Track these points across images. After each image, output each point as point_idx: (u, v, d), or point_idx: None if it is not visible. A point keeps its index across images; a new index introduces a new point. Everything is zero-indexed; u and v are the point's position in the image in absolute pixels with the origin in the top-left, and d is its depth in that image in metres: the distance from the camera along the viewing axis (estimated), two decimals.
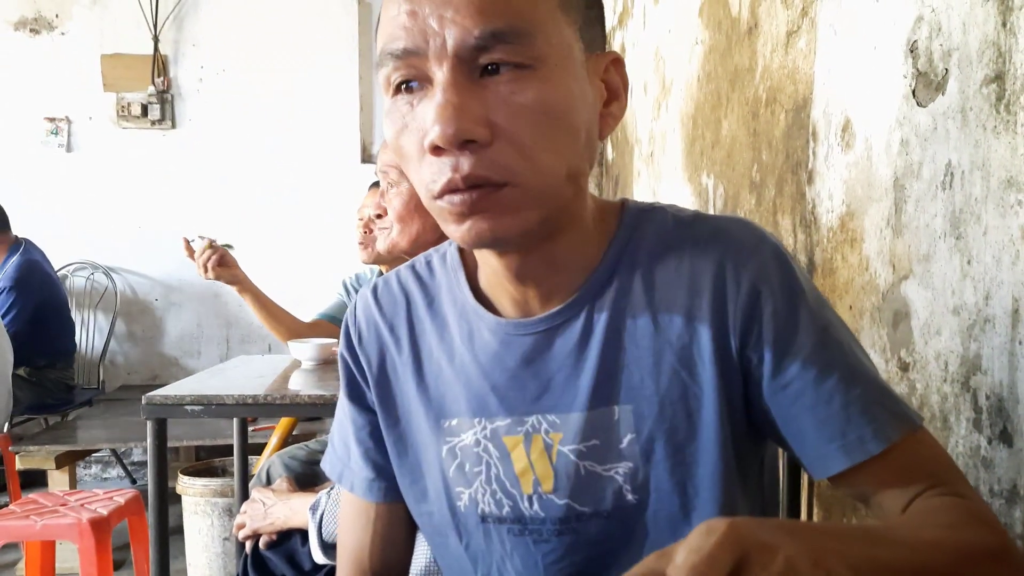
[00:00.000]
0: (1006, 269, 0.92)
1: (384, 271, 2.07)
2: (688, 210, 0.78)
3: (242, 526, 1.57)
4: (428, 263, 0.85)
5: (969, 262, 0.98)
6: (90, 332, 4.23)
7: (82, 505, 2.27)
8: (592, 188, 1.71)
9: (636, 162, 2.87)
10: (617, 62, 0.72)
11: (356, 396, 0.85)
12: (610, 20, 3.07)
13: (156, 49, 4.18)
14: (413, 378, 0.80)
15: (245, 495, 2.42)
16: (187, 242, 2.21)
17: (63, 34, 4.20)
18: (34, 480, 3.50)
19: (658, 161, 2.55)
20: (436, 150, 0.63)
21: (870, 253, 1.23)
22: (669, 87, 2.39)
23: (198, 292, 4.26)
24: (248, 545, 1.58)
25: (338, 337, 1.40)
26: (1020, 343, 0.90)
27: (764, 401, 0.71)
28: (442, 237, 1.16)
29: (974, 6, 0.96)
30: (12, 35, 4.18)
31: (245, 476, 2.41)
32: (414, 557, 1.16)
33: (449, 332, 0.80)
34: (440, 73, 0.63)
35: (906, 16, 1.10)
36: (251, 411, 1.81)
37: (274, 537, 1.54)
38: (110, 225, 4.21)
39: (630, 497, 0.73)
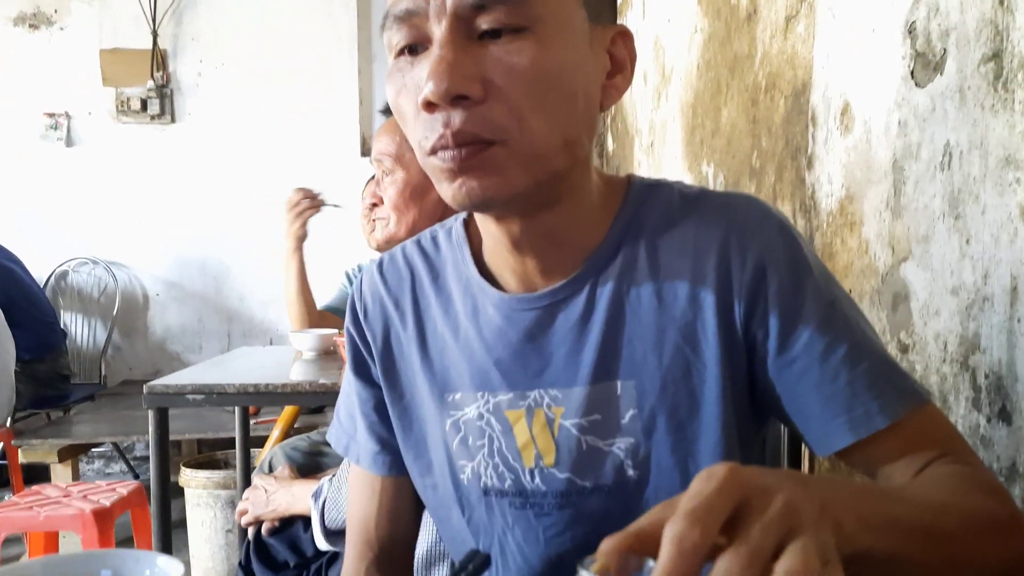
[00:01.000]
0: (1004, 247, 0.93)
1: None
2: (694, 187, 0.78)
3: (244, 513, 1.57)
4: (434, 238, 0.85)
5: (968, 241, 0.99)
6: (92, 327, 4.24)
7: (85, 496, 2.28)
8: None
9: (636, 152, 2.87)
10: (625, 35, 0.72)
11: (361, 371, 0.85)
12: None
13: (155, 44, 4.17)
14: (417, 352, 0.81)
15: (248, 487, 2.42)
16: (305, 192, 2.23)
17: (62, 29, 4.20)
18: (37, 475, 3.50)
19: (658, 151, 2.55)
20: (429, 106, 0.63)
21: (869, 236, 1.23)
22: (669, 76, 2.39)
23: (198, 287, 4.27)
24: (250, 532, 1.59)
25: (341, 328, 1.40)
26: (1019, 321, 0.90)
27: (769, 379, 0.71)
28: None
29: None
30: (11, 31, 4.18)
31: (247, 467, 2.42)
32: (418, 539, 1.16)
33: (454, 307, 0.80)
34: (438, 31, 0.63)
35: None
36: (252, 400, 1.82)
37: (276, 524, 1.55)
38: (111, 220, 4.21)
39: (631, 473, 0.74)
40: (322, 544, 1.38)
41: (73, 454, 3.19)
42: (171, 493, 1.81)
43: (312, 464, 1.86)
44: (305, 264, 2.24)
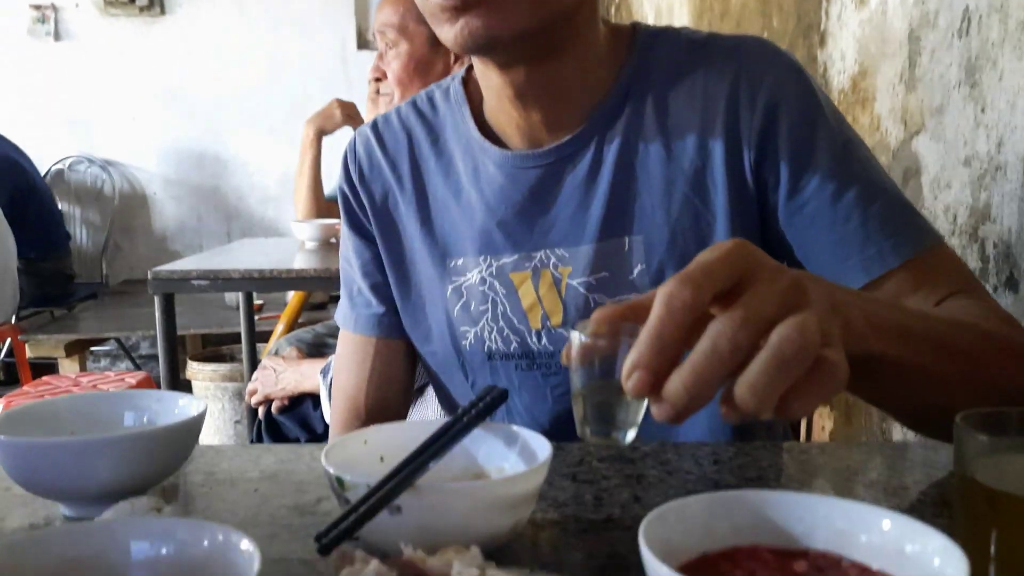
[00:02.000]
0: (1020, 113, 0.91)
1: None
2: (702, 32, 0.75)
3: (254, 392, 1.60)
4: (430, 98, 0.82)
5: (983, 109, 0.97)
6: (90, 228, 4.22)
7: (94, 386, 2.31)
8: None
9: None
10: None
11: (357, 226, 0.84)
12: None
13: None
14: (416, 218, 0.80)
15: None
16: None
17: None
18: (44, 372, 3.56)
19: None
20: None
21: (882, 111, 1.21)
22: None
23: (196, 185, 4.23)
24: (261, 411, 1.62)
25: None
26: None
27: (780, 226, 0.70)
28: None
29: None
30: None
31: (254, 358, 2.45)
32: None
33: (455, 170, 0.78)
34: None
35: None
36: (257, 285, 1.82)
37: (286, 402, 1.58)
38: (104, 117, 4.14)
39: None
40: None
41: (79, 350, 3.23)
42: (179, 387, 1.84)
43: (317, 355, 1.88)
44: (321, 154, 2.22)
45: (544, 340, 0.76)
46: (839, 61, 1.34)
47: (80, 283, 4.01)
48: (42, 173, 4.06)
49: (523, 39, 0.65)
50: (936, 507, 0.56)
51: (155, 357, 3.06)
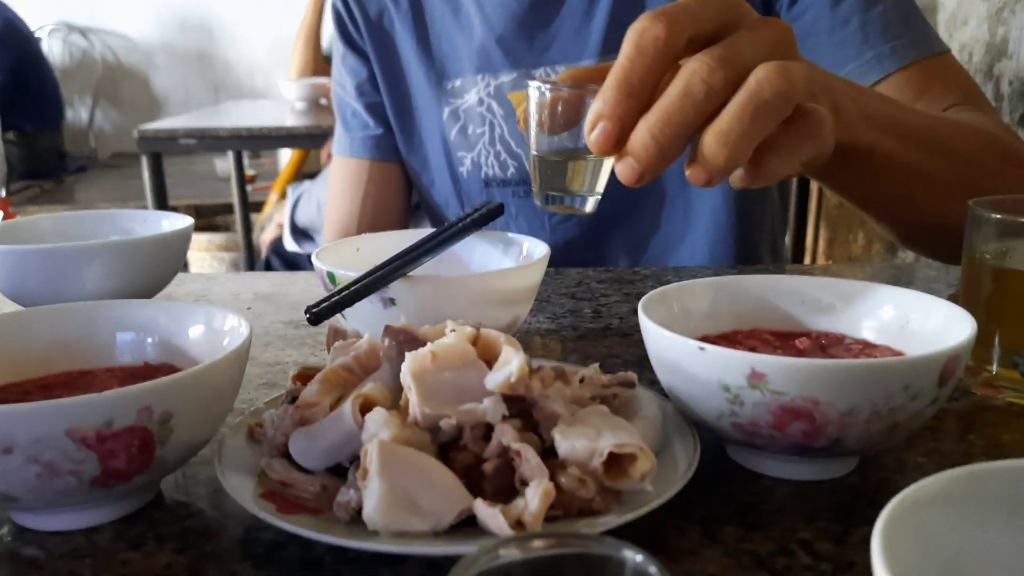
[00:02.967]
0: None
1: None
2: None
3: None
4: None
5: None
6: (75, 100, 4.10)
7: None
8: None
9: None
10: None
11: (350, 43, 0.80)
12: None
13: None
14: (412, 37, 0.77)
15: (249, 248, 2.45)
16: None
17: None
18: None
19: None
20: None
21: None
22: None
23: (181, 54, 4.08)
24: (265, 251, 1.64)
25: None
26: None
27: None
28: None
29: None
30: None
31: (248, 226, 2.43)
32: None
33: None
34: None
35: None
36: (246, 143, 1.78)
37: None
38: None
39: None
40: (290, 244, 1.42)
41: None
42: None
43: None
44: (323, 11, 2.13)
45: None
46: None
47: (69, 157, 3.94)
48: None
49: None
50: None
51: None
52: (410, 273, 0.44)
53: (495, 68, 0.73)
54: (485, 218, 0.54)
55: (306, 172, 3.11)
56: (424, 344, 0.33)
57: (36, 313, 0.40)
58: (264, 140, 1.65)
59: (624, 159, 0.35)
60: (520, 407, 0.32)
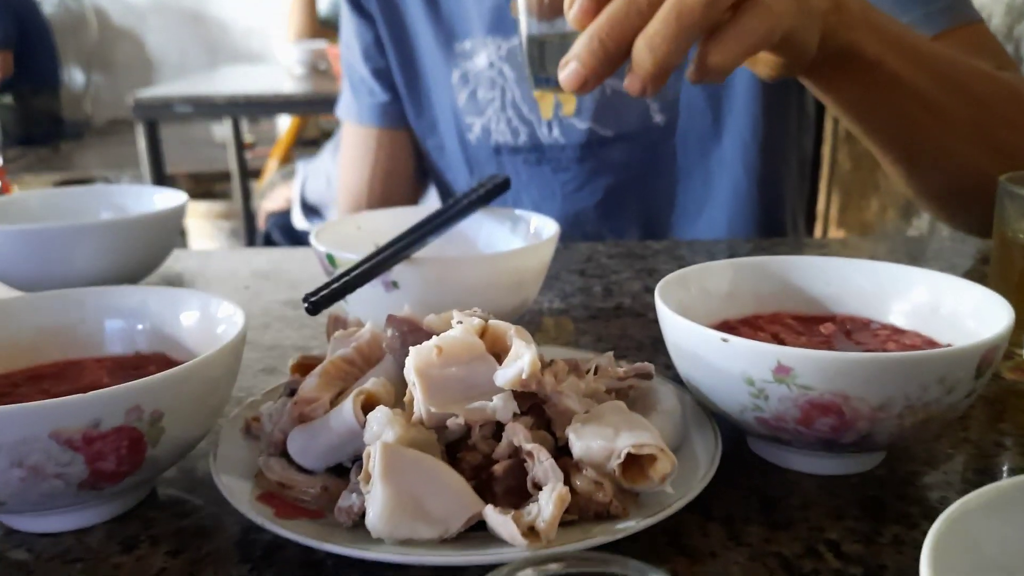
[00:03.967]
0: None
1: None
2: None
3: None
4: None
5: None
6: (69, 65, 4.04)
7: None
8: None
9: None
10: None
11: (357, 5, 0.78)
12: None
13: None
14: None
15: (248, 216, 2.43)
16: None
17: None
18: None
19: None
20: None
21: None
22: None
23: (176, 16, 4.01)
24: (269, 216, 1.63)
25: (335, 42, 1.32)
26: None
27: None
28: None
29: None
30: None
31: (247, 193, 2.40)
32: None
33: None
34: None
35: None
36: (243, 110, 1.75)
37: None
38: None
39: (657, 118, 0.70)
40: (300, 223, 1.40)
41: None
42: None
43: None
44: None
45: (555, 131, 0.72)
46: None
47: (65, 123, 3.90)
48: None
49: None
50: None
51: None
52: (414, 255, 0.42)
53: (507, 30, 0.71)
54: (491, 193, 0.52)
55: (305, 138, 3.08)
56: (429, 335, 0.31)
57: (23, 300, 0.38)
58: (262, 107, 1.62)
59: (567, 65, 0.37)
60: (531, 403, 0.30)
